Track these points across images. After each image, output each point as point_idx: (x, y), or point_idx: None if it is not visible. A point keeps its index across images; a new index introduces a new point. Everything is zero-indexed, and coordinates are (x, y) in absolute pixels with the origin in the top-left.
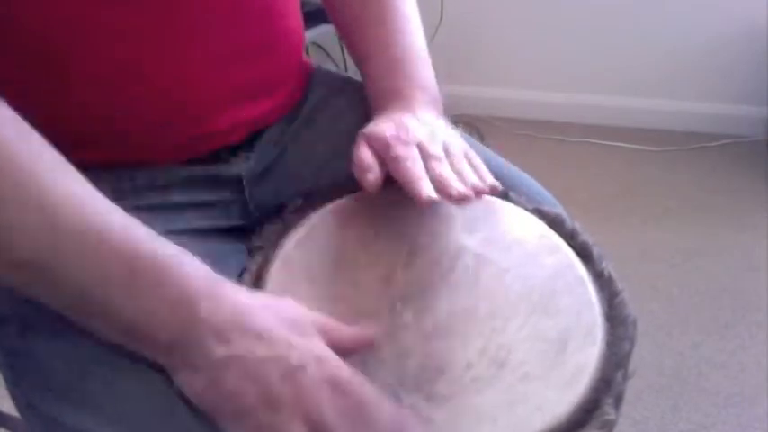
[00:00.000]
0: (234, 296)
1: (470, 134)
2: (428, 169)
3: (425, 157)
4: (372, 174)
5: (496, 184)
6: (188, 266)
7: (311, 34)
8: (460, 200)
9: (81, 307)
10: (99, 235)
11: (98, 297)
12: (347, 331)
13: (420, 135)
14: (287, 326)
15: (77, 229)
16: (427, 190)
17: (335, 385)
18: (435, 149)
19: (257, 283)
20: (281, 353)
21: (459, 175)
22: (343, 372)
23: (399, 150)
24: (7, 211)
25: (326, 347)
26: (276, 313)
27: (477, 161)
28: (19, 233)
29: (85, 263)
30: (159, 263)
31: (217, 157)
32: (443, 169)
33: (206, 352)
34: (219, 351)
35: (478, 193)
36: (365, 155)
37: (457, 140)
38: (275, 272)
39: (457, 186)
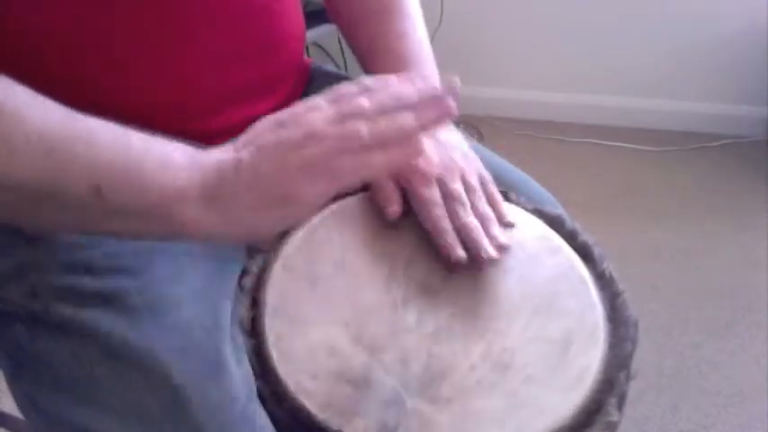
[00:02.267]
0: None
1: (470, 134)
2: (451, 215)
3: (447, 197)
4: (396, 206)
5: (512, 222)
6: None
7: (311, 34)
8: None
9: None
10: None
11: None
12: None
13: (436, 162)
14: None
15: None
16: (460, 254)
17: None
18: (455, 185)
19: (258, 284)
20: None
21: (481, 218)
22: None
23: (422, 190)
24: None
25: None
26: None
27: (491, 187)
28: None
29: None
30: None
31: None
32: (468, 219)
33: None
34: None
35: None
36: (389, 187)
37: (470, 161)
38: (276, 274)
39: (487, 250)
